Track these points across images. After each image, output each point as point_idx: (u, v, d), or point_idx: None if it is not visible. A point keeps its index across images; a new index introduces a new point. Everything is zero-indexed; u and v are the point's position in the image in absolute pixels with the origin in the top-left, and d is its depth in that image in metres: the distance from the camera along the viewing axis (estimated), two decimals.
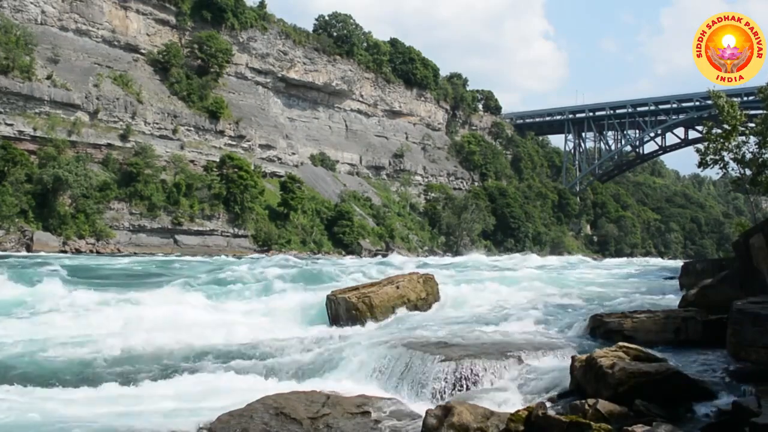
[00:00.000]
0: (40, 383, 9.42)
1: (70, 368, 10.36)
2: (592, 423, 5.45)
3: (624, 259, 71.91)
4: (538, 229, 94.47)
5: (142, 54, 66.52)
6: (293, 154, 78.58)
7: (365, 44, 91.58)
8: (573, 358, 7.85)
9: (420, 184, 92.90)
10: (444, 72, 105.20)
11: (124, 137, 59.05)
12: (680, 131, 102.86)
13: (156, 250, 53.13)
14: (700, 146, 23.37)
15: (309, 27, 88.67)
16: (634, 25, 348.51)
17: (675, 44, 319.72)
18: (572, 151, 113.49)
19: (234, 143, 70.07)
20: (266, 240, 63.90)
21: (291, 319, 15.36)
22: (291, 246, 65.04)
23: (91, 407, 8.22)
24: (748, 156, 21.36)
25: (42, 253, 42.34)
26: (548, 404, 6.76)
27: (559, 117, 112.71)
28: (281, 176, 72.16)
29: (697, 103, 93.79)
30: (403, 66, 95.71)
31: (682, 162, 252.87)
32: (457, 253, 76.16)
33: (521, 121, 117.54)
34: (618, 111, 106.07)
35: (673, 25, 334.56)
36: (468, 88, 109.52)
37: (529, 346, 10.08)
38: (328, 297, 14.88)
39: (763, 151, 21.05)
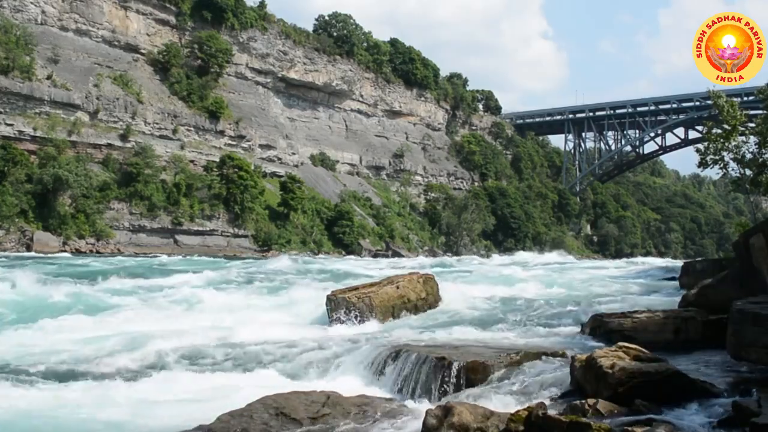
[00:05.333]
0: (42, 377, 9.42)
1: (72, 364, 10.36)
2: (592, 423, 5.45)
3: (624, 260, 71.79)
4: (538, 229, 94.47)
5: (142, 54, 66.52)
6: (293, 154, 78.57)
7: (365, 44, 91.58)
8: (573, 358, 7.86)
9: (420, 184, 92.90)
10: (443, 72, 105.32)
11: (124, 137, 59.04)
12: (680, 131, 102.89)
13: (156, 250, 53.09)
14: (700, 146, 23.34)
15: (309, 27, 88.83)
16: (632, 25, 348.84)
17: (673, 45, 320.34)
18: (572, 151, 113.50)
19: (234, 143, 70.07)
20: (266, 240, 63.89)
21: (290, 319, 15.35)
22: (291, 246, 65.02)
23: (87, 405, 8.21)
24: (748, 156, 21.34)
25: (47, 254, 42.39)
26: (548, 404, 6.76)
27: (559, 117, 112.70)
28: (281, 176, 72.16)
29: (697, 103, 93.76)
30: (403, 66, 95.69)
31: (682, 162, 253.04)
32: (457, 253, 76.21)
33: (521, 121, 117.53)
34: (618, 111, 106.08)
35: (670, 26, 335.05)
36: (468, 88, 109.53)
37: (529, 345, 10.09)
38: (328, 297, 14.87)
39: (763, 151, 21.02)
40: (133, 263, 34.19)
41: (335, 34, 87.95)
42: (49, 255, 41.30)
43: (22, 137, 51.88)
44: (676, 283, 21.95)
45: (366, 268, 33.40)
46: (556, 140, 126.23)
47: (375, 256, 65.99)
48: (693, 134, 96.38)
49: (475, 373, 8.41)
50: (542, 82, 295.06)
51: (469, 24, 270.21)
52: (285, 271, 29.28)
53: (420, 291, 15.56)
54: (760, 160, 21.05)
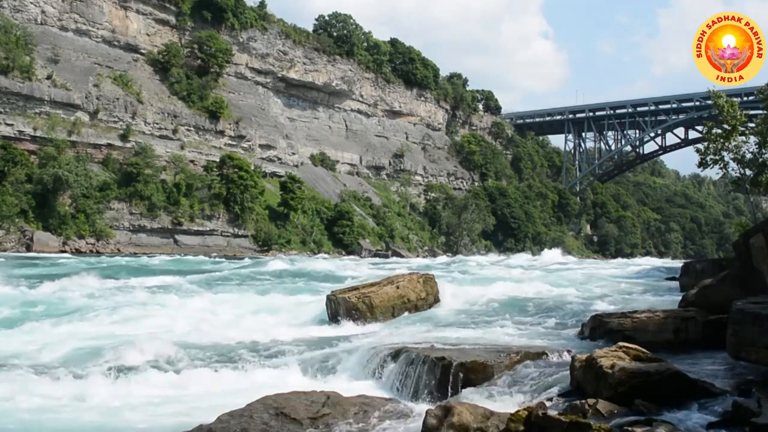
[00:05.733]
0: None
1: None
2: (592, 423, 5.44)
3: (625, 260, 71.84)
4: (538, 229, 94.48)
5: (142, 54, 66.54)
6: (293, 154, 78.59)
7: (365, 44, 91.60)
8: (573, 358, 7.85)
9: (420, 184, 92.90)
10: (443, 72, 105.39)
11: (124, 137, 59.06)
12: (680, 131, 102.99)
13: (156, 250, 53.12)
14: (700, 146, 23.30)
15: (309, 27, 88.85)
16: (631, 25, 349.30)
17: (671, 45, 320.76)
18: (572, 151, 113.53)
19: (234, 143, 70.09)
20: (266, 240, 63.91)
21: (290, 319, 15.35)
22: (291, 246, 65.07)
23: (83, 403, 8.19)
24: (748, 156, 21.31)
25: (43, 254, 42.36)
26: (548, 404, 6.76)
27: (559, 117, 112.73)
28: (281, 176, 72.18)
29: (697, 103, 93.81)
30: (403, 66, 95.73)
31: (682, 162, 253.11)
32: (457, 253, 76.20)
33: (521, 121, 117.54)
34: (618, 111, 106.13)
35: (669, 26, 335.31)
36: (468, 88, 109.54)
37: (529, 345, 10.09)
38: (327, 297, 14.88)
39: (763, 151, 20.98)
40: (123, 263, 33.84)
41: (335, 34, 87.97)
42: (45, 255, 41.19)
43: (22, 137, 51.93)
44: (676, 283, 21.95)
45: (353, 270, 32.45)
46: (556, 140, 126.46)
47: (375, 256, 66.00)
48: (693, 134, 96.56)
49: (475, 373, 8.41)
50: (542, 82, 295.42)
51: (468, 24, 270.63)
52: (255, 275, 27.73)
53: (420, 291, 15.55)
54: (760, 160, 21.02)
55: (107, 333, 12.89)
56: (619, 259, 73.56)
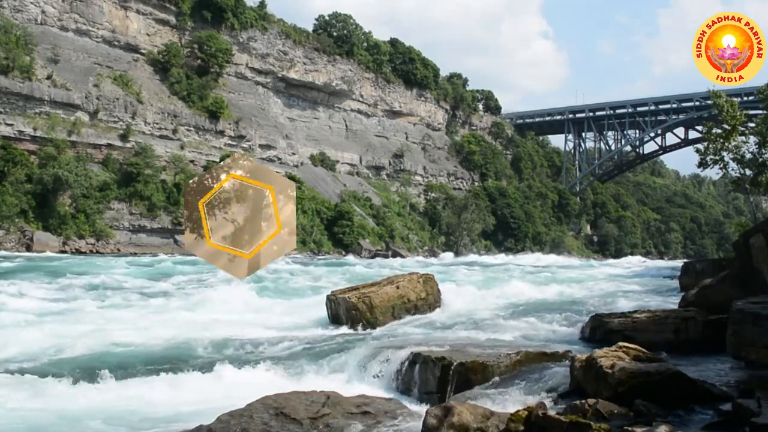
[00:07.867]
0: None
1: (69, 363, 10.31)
2: (592, 423, 5.44)
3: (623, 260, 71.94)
4: (538, 229, 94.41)
5: (142, 54, 66.50)
6: (293, 154, 78.55)
7: (365, 44, 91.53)
8: (573, 358, 7.86)
9: (420, 184, 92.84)
10: (443, 72, 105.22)
11: (124, 137, 59.02)
12: (680, 131, 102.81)
13: (156, 251, 53.09)
14: (700, 146, 23.32)
15: (309, 27, 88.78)
16: (631, 25, 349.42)
17: (671, 45, 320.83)
18: (572, 151, 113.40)
19: (234, 143, 70.04)
20: None
21: (290, 318, 15.36)
22: None
23: (82, 404, 8.19)
24: (748, 156, 21.32)
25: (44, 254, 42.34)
26: (548, 404, 6.76)
27: (559, 117, 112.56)
28: None
29: (697, 103, 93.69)
30: (403, 66, 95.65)
31: (682, 162, 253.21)
32: (457, 253, 76.21)
33: (521, 121, 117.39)
34: (618, 111, 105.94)
35: (669, 26, 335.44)
36: (468, 88, 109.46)
37: (529, 346, 10.09)
38: (327, 297, 14.90)
39: (763, 151, 21.00)
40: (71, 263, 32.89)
41: (335, 34, 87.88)
42: (41, 255, 41.12)
43: (22, 137, 51.87)
44: (676, 283, 21.99)
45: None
46: (556, 140, 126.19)
47: (374, 256, 65.95)
48: (693, 134, 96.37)
49: (475, 374, 8.41)
50: (542, 82, 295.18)
51: (468, 24, 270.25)
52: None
53: (420, 291, 15.55)
54: (760, 160, 21.03)
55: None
56: (612, 259, 74.41)
